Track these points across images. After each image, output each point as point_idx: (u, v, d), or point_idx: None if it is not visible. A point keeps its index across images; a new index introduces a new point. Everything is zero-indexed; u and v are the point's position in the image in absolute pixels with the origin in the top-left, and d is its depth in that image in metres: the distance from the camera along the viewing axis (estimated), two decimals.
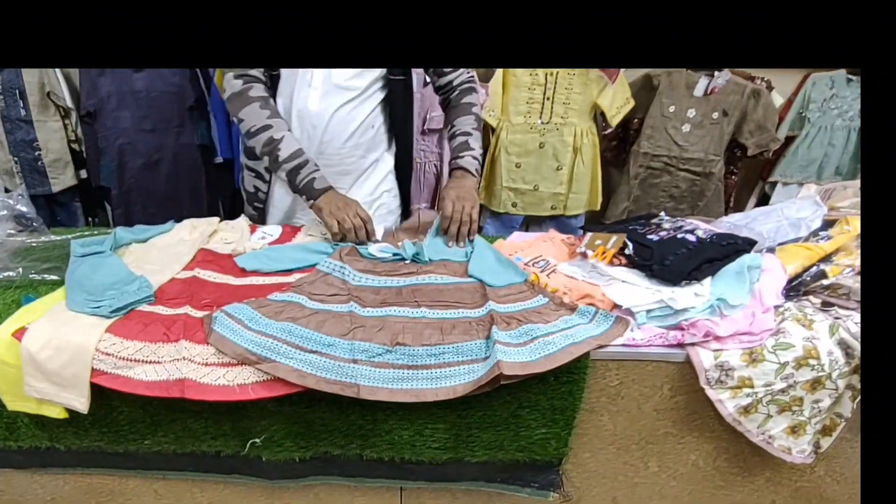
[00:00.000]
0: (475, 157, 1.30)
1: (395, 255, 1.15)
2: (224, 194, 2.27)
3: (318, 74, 1.25)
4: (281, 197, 1.42)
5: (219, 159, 2.16)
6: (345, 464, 1.06)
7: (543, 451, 1.02)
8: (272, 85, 1.28)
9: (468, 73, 1.39)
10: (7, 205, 1.38)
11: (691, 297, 0.94)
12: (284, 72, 1.27)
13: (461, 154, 1.30)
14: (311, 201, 1.21)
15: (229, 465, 1.07)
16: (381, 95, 1.32)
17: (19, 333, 0.92)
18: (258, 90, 1.23)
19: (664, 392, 0.99)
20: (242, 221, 1.34)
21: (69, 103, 2.07)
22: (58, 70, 2.02)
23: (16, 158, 2.09)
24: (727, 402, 0.93)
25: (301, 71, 1.25)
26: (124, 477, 1.12)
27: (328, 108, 1.27)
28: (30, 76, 1.98)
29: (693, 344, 0.92)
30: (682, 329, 0.94)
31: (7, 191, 1.49)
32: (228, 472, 1.09)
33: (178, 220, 1.37)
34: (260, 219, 1.46)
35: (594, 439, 1.05)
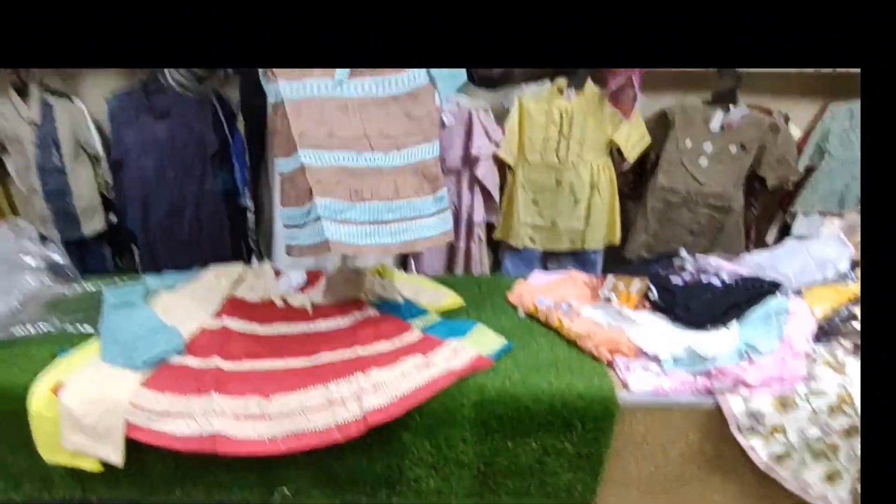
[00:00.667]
0: None
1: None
2: (247, 237, 2.32)
3: None
4: None
5: (241, 203, 2.21)
6: None
7: (570, 497, 1.01)
8: None
9: None
10: (42, 255, 1.43)
11: (718, 342, 0.94)
12: None
13: None
14: None
15: None
16: None
17: (57, 388, 0.94)
18: None
19: (691, 438, 0.98)
20: (268, 268, 1.37)
21: (100, 151, 2.14)
22: (90, 120, 2.10)
23: (49, 206, 2.17)
24: (760, 450, 0.92)
25: None
26: None
27: None
28: (64, 127, 2.06)
29: (722, 391, 0.91)
30: (711, 375, 0.93)
31: (43, 239, 1.54)
32: None
33: (203, 263, 1.40)
34: None
35: (620, 485, 1.04)
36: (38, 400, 0.94)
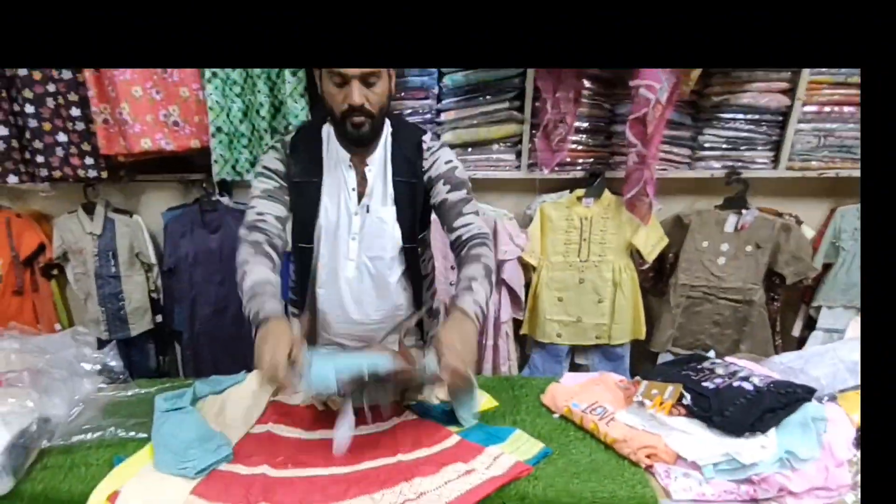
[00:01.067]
0: (476, 302, 1.13)
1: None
2: None
3: (354, 247, 1.32)
4: None
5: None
6: None
7: None
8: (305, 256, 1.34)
9: (480, 228, 1.29)
10: (99, 360, 1.52)
11: (758, 449, 0.95)
12: (320, 246, 1.33)
13: (463, 295, 1.14)
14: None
15: None
16: (402, 263, 1.37)
17: (113, 497, 0.98)
18: (254, 237, 1.25)
19: None
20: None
21: (153, 260, 2.32)
22: (146, 233, 2.29)
23: (103, 309, 2.31)
24: None
25: (340, 245, 1.33)
26: None
27: (364, 278, 1.35)
28: (122, 240, 2.25)
29: (767, 499, 0.92)
30: (753, 483, 0.93)
31: (100, 345, 1.63)
32: None
33: (243, 360, 1.45)
34: None
35: None
36: None
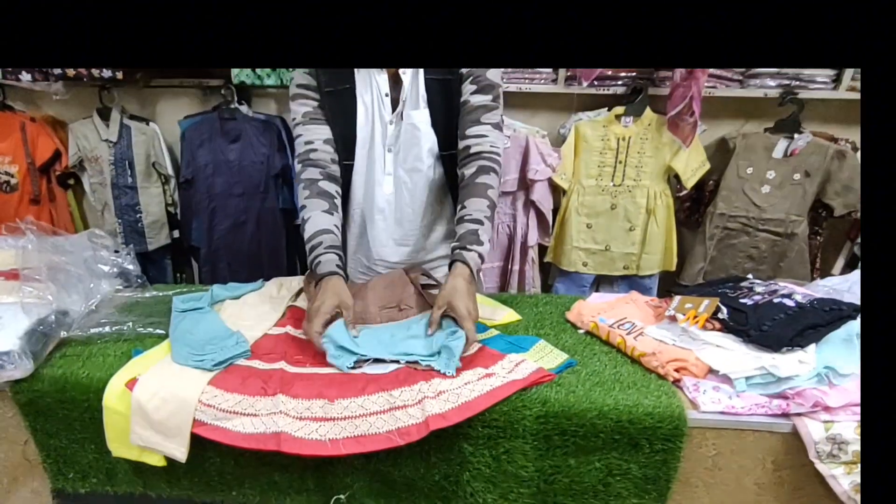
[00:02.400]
0: (481, 255, 1.11)
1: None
2: (302, 253, 2.39)
3: (390, 160, 1.26)
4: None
5: (299, 221, 2.30)
6: None
7: None
8: (347, 173, 1.28)
9: (493, 144, 1.20)
10: (116, 263, 1.51)
11: (795, 364, 0.89)
12: (359, 162, 1.27)
13: (468, 246, 1.11)
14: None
15: None
16: (442, 172, 1.30)
17: (131, 384, 0.98)
18: (309, 171, 1.23)
19: (766, 465, 0.93)
20: None
21: (170, 171, 2.28)
22: (163, 142, 2.25)
23: (119, 221, 2.31)
24: (841, 479, 0.86)
25: (377, 160, 1.26)
26: None
27: (404, 191, 1.28)
28: (139, 149, 2.21)
29: (800, 414, 0.87)
30: (787, 398, 0.88)
31: (116, 251, 1.63)
32: None
33: (261, 277, 1.44)
34: None
35: None
36: (113, 394, 0.98)
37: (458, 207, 1.19)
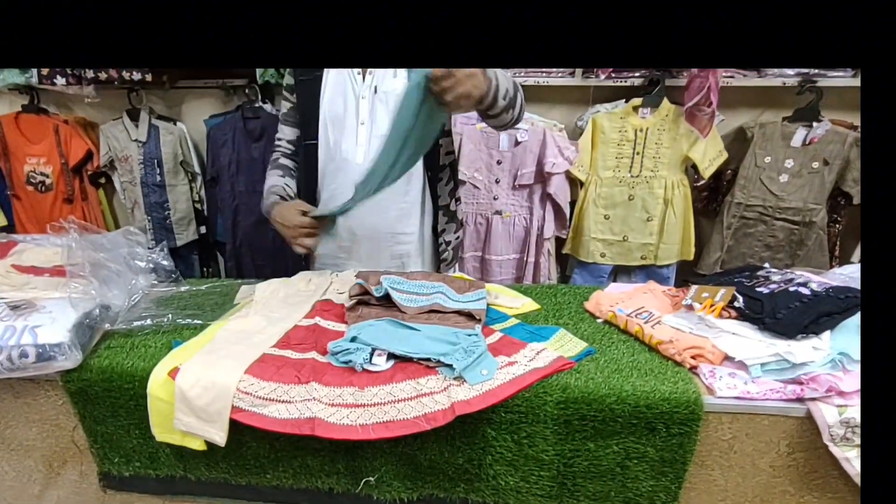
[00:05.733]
0: (494, 73, 1.16)
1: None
2: None
3: (363, 133, 1.32)
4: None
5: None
6: None
7: None
8: (310, 153, 1.41)
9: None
10: (150, 259, 1.58)
11: (809, 350, 0.92)
12: (322, 139, 1.36)
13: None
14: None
15: (340, 503, 1.12)
16: None
17: (174, 373, 1.04)
18: (273, 155, 1.48)
19: (781, 448, 0.95)
20: (351, 274, 1.45)
21: (196, 169, 2.35)
22: (189, 142, 2.31)
23: (149, 217, 2.39)
24: (854, 461, 0.88)
25: (348, 134, 1.33)
26: None
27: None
28: (166, 148, 2.28)
29: (814, 399, 0.89)
30: (801, 383, 0.91)
31: (150, 248, 1.70)
32: None
33: (285, 271, 1.52)
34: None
35: (703, 495, 1.02)
36: (157, 383, 1.04)
37: None
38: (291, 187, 1.46)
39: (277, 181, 1.44)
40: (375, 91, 1.29)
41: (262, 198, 1.42)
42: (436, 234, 1.49)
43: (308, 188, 1.44)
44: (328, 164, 1.39)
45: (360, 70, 1.29)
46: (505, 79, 1.19)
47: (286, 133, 1.47)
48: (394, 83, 1.29)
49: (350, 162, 1.35)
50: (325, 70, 1.33)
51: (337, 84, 1.32)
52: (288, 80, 1.42)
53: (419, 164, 1.38)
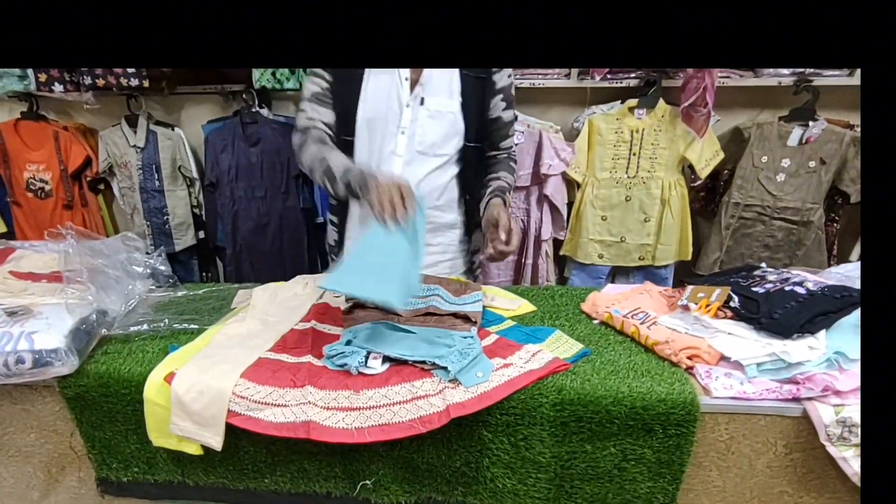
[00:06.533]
0: (507, 203, 1.31)
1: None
2: (322, 251, 2.46)
3: (402, 142, 1.29)
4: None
5: (319, 220, 2.36)
6: None
7: None
8: (347, 149, 1.31)
9: (512, 144, 1.43)
10: (148, 264, 1.58)
11: (805, 350, 0.92)
12: (361, 139, 1.31)
13: (500, 195, 1.31)
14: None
15: None
16: (458, 162, 1.35)
17: (170, 378, 1.04)
18: (315, 134, 1.27)
19: (778, 448, 0.95)
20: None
21: (195, 174, 2.36)
22: (187, 147, 2.32)
23: (148, 223, 2.40)
24: (852, 461, 0.88)
25: (387, 140, 1.29)
26: None
27: (412, 176, 1.30)
28: (165, 154, 2.29)
29: (811, 398, 0.89)
30: (798, 383, 0.91)
31: (148, 253, 1.71)
32: None
33: (283, 275, 1.50)
34: None
35: (701, 496, 1.02)
36: (153, 388, 1.04)
37: (487, 174, 1.38)
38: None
39: (343, 158, 1.22)
40: (422, 102, 1.27)
41: (336, 173, 1.17)
42: (468, 250, 1.50)
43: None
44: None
45: (408, 77, 1.26)
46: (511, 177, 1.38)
47: (322, 114, 1.31)
48: (448, 103, 1.27)
49: (385, 168, 1.31)
50: (367, 69, 1.27)
51: (380, 86, 1.27)
52: None
53: (456, 187, 1.40)
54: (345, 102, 1.29)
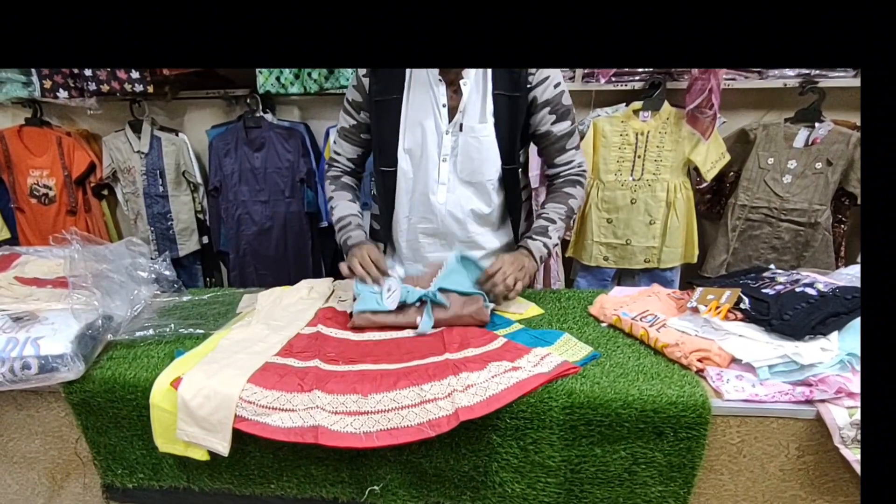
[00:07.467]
0: (546, 246, 1.26)
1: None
2: (326, 256, 2.45)
3: (445, 170, 1.28)
4: None
5: (324, 224, 2.36)
6: None
7: None
8: (387, 180, 1.34)
9: (580, 165, 1.34)
10: (153, 269, 1.58)
11: (818, 352, 0.91)
12: (403, 169, 1.30)
13: (535, 237, 1.26)
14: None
15: None
16: (501, 185, 1.32)
17: (176, 383, 1.03)
18: (334, 172, 1.44)
19: (790, 451, 0.94)
20: (352, 282, 1.45)
21: (199, 179, 2.36)
22: (191, 151, 2.32)
23: (152, 228, 2.40)
24: None
25: (430, 169, 1.29)
26: None
27: (458, 203, 1.31)
28: (169, 159, 2.29)
29: (824, 401, 0.88)
30: (810, 385, 0.90)
31: (152, 258, 1.70)
32: None
33: (288, 280, 1.50)
34: None
35: (713, 500, 1.01)
36: (159, 393, 1.03)
37: (541, 207, 1.34)
38: (364, 216, 1.45)
39: (351, 208, 1.38)
40: (461, 129, 1.25)
41: (335, 223, 1.39)
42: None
43: (385, 214, 1.38)
44: (408, 196, 1.33)
45: (445, 103, 1.24)
46: (559, 233, 1.31)
47: (346, 149, 1.40)
48: (483, 128, 1.25)
49: (431, 198, 1.31)
50: (406, 96, 1.26)
51: (417, 114, 1.26)
52: (353, 95, 1.32)
53: (500, 210, 1.38)
54: (383, 134, 1.28)
